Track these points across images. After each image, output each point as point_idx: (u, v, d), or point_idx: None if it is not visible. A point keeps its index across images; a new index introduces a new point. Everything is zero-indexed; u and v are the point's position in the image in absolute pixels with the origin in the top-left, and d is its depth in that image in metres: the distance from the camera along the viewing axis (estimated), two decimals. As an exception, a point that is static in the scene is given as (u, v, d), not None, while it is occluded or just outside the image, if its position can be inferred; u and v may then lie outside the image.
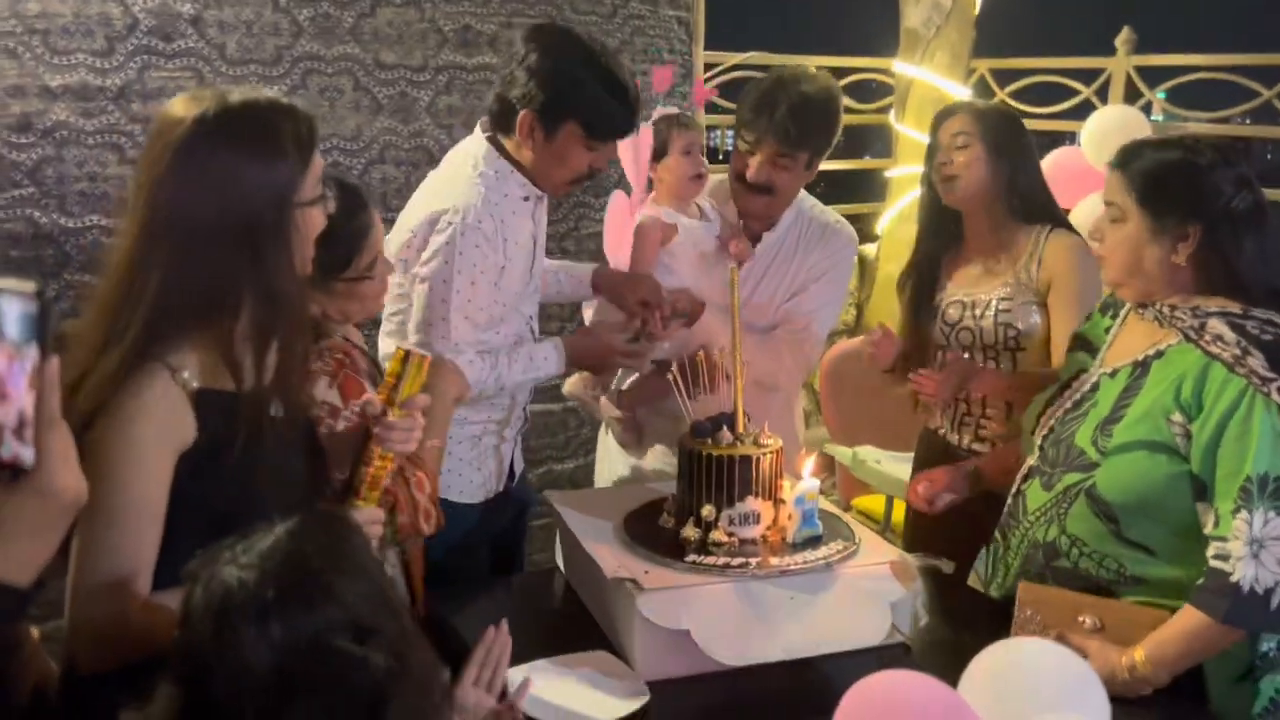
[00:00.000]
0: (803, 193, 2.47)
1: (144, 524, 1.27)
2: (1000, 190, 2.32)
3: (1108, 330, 1.92)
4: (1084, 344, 1.96)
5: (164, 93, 2.53)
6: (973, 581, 2.07)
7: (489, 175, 2.04)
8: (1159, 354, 1.76)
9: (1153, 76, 4.47)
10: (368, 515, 1.50)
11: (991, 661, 1.39)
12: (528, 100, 1.97)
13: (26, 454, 0.86)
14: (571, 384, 2.43)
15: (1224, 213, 1.71)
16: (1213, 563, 1.61)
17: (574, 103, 1.97)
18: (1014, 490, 1.97)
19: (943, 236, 2.43)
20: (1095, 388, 1.85)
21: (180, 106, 1.32)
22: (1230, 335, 1.65)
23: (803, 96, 2.27)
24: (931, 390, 2.20)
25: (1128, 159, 1.79)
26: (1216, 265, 1.72)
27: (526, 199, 2.09)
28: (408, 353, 1.56)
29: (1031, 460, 1.93)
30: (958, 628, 1.84)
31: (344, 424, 1.71)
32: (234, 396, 1.33)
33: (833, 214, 2.51)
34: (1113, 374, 1.83)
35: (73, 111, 2.47)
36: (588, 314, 2.49)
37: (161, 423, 1.27)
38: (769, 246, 2.43)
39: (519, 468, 2.30)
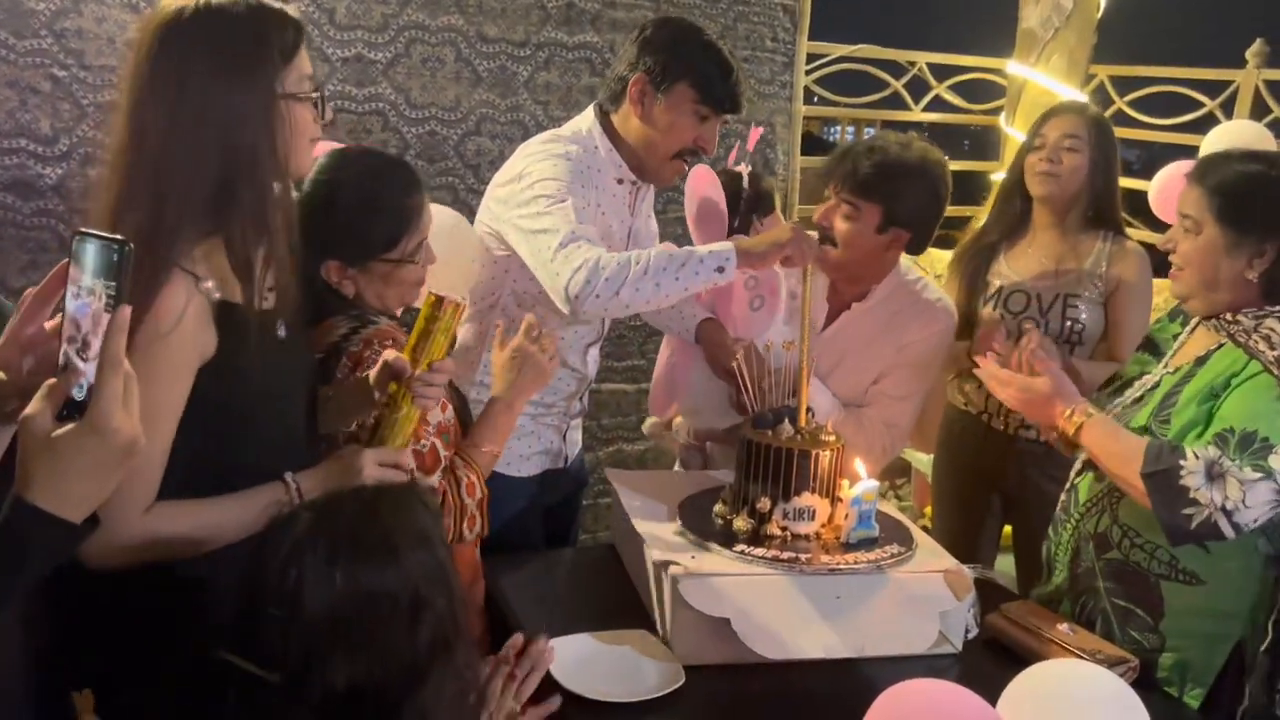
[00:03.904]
0: (906, 264, 2.30)
1: (163, 431, 1.30)
2: (1087, 197, 2.47)
3: (1176, 336, 1.93)
4: (1151, 346, 1.98)
5: (273, 53, 2.62)
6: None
7: (589, 143, 2.07)
8: (1208, 354, 1.80)
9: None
10: (394, 456, 1.46)
11: (1032, 681, 1.36)
12: (641, 65, 2.01)
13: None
14: (649, 425, 2.55)
15: None
16: (1184, 452, 1.66)
17: (687, 63, 2.00)
18: (1068, 485, 1.98)
19: (1011, 221, 2.56)
20: (1156, 386, 1.87)
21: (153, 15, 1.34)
22: (1278, 336, 1.68)
23: (887, 154, 2.11)
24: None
25: (1206, 172, 1.79)
26: None
27: (620, 181, 2.10)
28: (440, 299, 1.47)
29: (1085, 455, 1.92)
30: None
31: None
32: (247, 311, 1.36)
33: (935, 291, 2.30)
34: (1174, 372, 1.85)
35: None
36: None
37: (190, 333, 1.30)
38: (858, 316, 2.25)
39: (575, 450, 2.33)
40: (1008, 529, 2.71)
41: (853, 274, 2.23)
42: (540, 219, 1.91)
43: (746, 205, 2.41)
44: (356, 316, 1.69)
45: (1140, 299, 2.41)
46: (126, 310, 0.90)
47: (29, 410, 0.88)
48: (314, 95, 1.41)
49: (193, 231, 1.32)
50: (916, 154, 2.13)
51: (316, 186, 1.66)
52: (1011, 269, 2.51)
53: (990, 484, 2.58)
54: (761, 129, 2.71)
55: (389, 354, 1.46)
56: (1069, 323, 2.43)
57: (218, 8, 1.34)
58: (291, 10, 1.42)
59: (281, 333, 1.46)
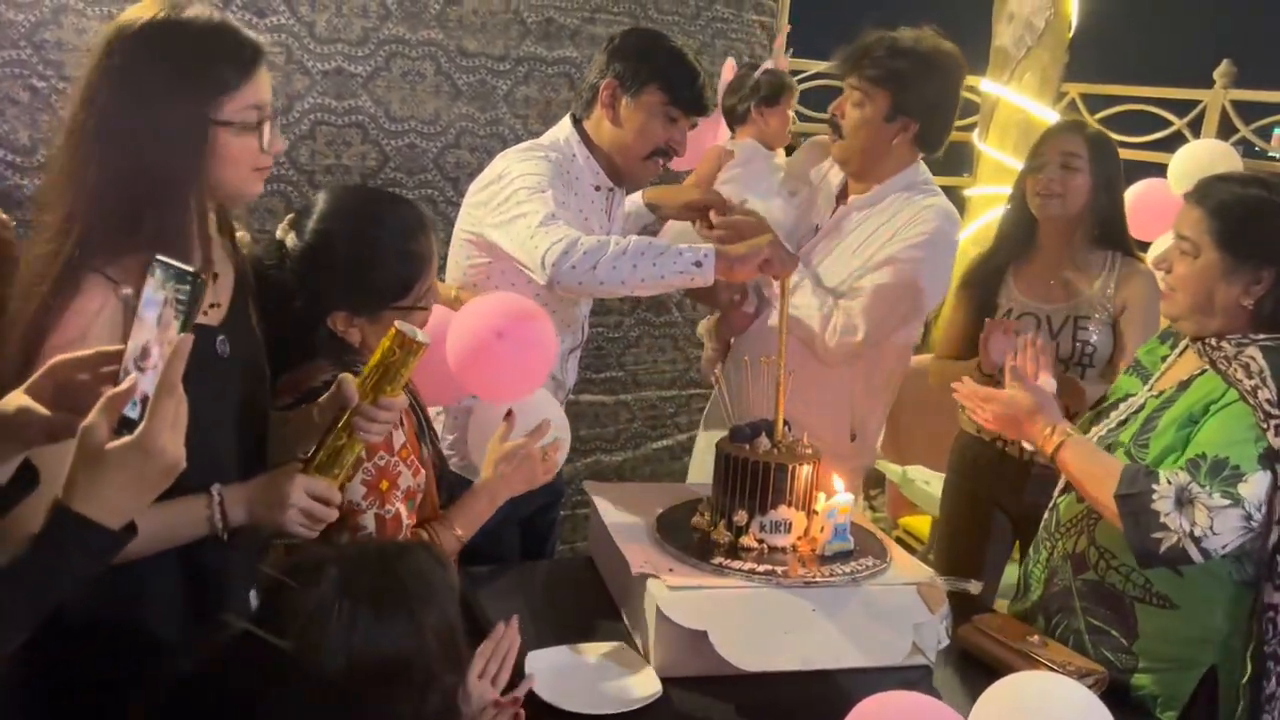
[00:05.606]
0: (923, 169, 2.31)
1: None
2: (1091, 216, 2.44)
3: (1164, 359, 1.92)
4: (1138, 368, 1.97)
5: (253, 66, 2.62)
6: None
7: (567, 150, 2.13)
8: (1191, 379, 1.79)
9: (1254, 112, 4.34)
10: (325, 490, 1.38)
11: (1002, 693, 1.38)
12: (611, 71, 2.08)
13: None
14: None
15: None
16: (1158, 477, 1.67)
17: (655, 67, 2.07)
18: (1050, 505, 2.00)
19: (1018, 243, 2.53)
20: (1141, 409, 1.86)
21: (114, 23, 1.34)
22: (1256, 365, 1.68)
23: (898, 43, 2.17)
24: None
25: (1206, 194, 1.77)
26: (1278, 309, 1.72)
27: (598, 188, 2.15)
28: (404, 336, 1.37)
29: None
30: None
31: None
32: None
33: (941, 199, 2.26)
34: (1158, 396, 1.84)
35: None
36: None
37: (97, 340, 1.23)
38: (854, 208, 2.27)
39: None
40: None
41: (861, 167, 2.27)
42: (520, 206, 1.95)
43: (751, 89, 2.63)
44: (349, 364, 1.58)
45: (1148, 320, 2.35)
46: (188, 339, 0.95)
47: (88, 420, 0.94)
48: (254, 125, 1.36)
49: (111, 240, 1.30)
50: (929, 45, 2.20)
51: (315, 236, 1.58)
52: (1020, 292, 2.50)
53: (1001, 508, 2.55)
54: (790, 27, 2.82)
55: (345, 377, 1.39)
56: (1079, 344, 2.42)
57: (170, 23, 1.33)
58: (260, 34, 1.42)
59: (223, 350, 1.44)
